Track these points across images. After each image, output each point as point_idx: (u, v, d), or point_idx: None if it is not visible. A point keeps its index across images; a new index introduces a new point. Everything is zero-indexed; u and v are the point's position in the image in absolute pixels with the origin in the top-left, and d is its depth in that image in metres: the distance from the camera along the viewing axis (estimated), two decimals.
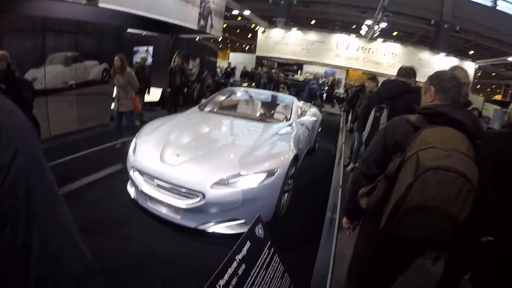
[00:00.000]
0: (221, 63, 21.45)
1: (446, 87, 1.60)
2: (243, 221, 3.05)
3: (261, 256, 1.90)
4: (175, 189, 3.03)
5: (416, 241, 1.44)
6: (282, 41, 20.48)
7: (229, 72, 17.69)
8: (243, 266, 1.72)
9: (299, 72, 21.50)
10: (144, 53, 10.54)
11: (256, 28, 20.88)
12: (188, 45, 11.31)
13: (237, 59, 21.82)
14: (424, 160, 1.32)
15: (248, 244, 1.81)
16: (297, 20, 24.31)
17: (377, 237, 1.61)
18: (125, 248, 2.93)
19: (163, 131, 3.80)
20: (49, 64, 6.31)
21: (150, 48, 10.61)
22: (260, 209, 2.99)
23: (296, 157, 3.79)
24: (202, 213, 3.01)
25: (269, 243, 2.01)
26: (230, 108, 5.29)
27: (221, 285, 1.53)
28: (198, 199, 2.92)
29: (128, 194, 3.62)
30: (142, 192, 3.23)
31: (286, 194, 3.73)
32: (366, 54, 19.65)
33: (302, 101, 6.99)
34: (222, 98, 5.46)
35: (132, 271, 2.64)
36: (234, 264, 1.66)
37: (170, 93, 8.42)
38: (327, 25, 24.82)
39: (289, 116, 4.71)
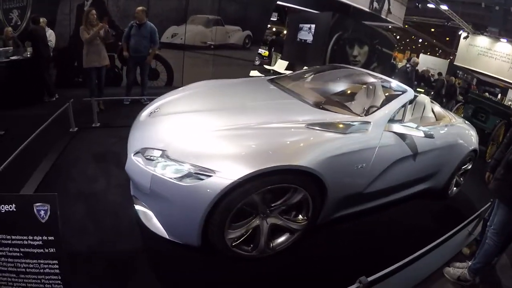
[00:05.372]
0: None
1: None
2: (152, 213, 2.07)
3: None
4: None
5: None
6: (487, 53, 15.38)
7: None
8: None
9: (499, 95, 16.58)
10: (307, 31, 10.18)
11: (460, 32, 17.08)
12: (354, 28, 9.56)
13: (427, 63, 18.72)
14: None
15: None
16: None
17: None
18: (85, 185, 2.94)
19: (194, 86, 3.25)
20: (190, 24, 6.73)
21: (313, 26, 9.78)
22: (177, 218, 1.97)
23: (318, 182, 2.12)
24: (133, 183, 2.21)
25: (50, 238, 1.37)
26: (300, 85, 3.48)
27: None
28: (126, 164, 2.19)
29: None
30: None
31: (284, 236, 2.31)
32: None
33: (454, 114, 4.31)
34: (310, 72, 3.89)
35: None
36: None
37: None
38: None
39: (374, 111, 2.69)
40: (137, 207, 2.15)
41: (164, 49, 6.62)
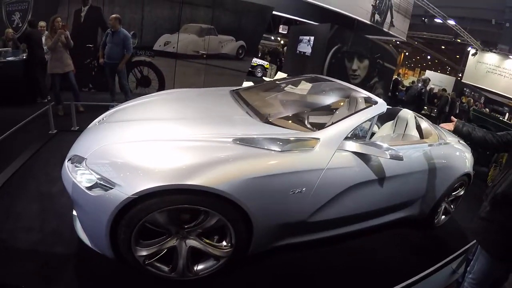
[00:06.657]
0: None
1: None
2: (77, 220, 1.98)
3: None
4: None
5: None
6: (496, 71, 14.95)
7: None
8: None
9: (506, 115, 16.13)
10: (306, 43, 10.13)
11: (468, 49, 16.83)
12: (354, 41, 9.26)
13: (434, 80, 18.52)
14: None
15: None
16: None
17: None
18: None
19: (156, 94, 3.24)
20: (183, 32, 6.73)
21: (312, 38, 9.65)
22: (91, 227, 1.89)
23: (237, 206, 1.81)
24: None
25: None
26: (262, 97, 3.20)
27: None
28: None
29: None
30: None
31: (210, 262, 2.04)
32: None
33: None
34: (282, 83, 3.59)
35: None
36: None
37: None
38: None
39: (328, 125, 2.34)
40: (74, 212, 2.08)
41: (157, 57, 6.70)
